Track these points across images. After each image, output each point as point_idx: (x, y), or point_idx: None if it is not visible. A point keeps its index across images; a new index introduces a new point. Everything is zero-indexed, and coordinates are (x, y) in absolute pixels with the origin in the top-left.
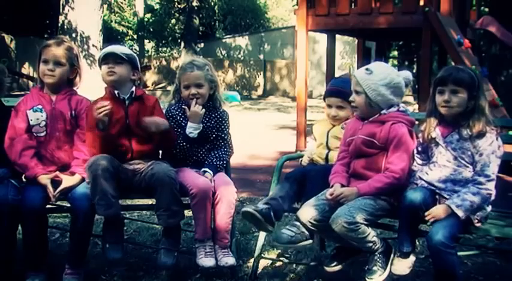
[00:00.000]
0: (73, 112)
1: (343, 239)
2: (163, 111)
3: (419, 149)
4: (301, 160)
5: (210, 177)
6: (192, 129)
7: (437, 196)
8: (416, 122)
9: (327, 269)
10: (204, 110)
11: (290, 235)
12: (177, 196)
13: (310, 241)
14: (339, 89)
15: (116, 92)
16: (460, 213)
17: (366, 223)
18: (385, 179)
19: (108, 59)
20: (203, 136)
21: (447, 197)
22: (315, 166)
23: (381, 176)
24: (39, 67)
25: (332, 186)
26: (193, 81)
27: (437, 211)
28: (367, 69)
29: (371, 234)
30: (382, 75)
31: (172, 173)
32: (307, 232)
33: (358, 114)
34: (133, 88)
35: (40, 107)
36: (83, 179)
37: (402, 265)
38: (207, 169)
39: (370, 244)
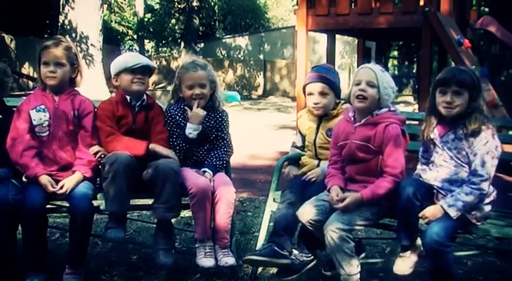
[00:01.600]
0: (76, 112)
1: None
2: (163, 114)
3: (423, 148)
4: (288, 171)
5: (210, 177)
6: (192, 130)
7: (434, 191)
8: (417, 122)
9: (326, 273)
10: (205, 112)
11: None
12: (177, 190)
13: (288, 261)
14: (321, 75)
15: (128, 98)
16: (452, 213)
17: (361, 228)
18: (387, 184)
19: (137, 69)
20: (203, 136)
21: (444, 194)
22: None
23: (382, 181)
24: (39, 69)
25: (329, 189)
26: (197, 82)
27: (431, 211)
28: (381, 67)
29: (355, 263)
30: (390, 78)
31: (176, 167)
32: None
33: (363, 105)
34: (145, 95)
35: (43, 107)
36: (84, 179)
37: (404, 265)
38: (206, 169)
39: (348, 271)
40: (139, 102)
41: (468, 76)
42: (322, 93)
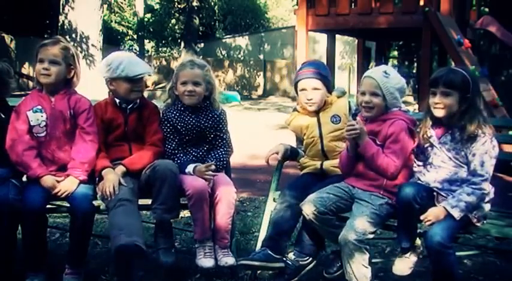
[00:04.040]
0: (71, 111)
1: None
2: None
3: (418, 150)
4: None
5: (213, 166)
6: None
7: (434, 193)
8: (417, 122)
9: (327, 276)
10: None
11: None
12: (176, 191)
13: (282, 264)
14: (314, 71)
15: (117, 101)
16: (456, 214)
17: (374, 234)
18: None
19: (137, 79)
20: (201, 136)
21: (444, 195)
22: (312, 182)
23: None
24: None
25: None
26: (191, 78)
27: (434, 213)
28: (385, 72)
29: (368, 275)
30: (397, 79)
31: (174, 168)
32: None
33: (371, 115)
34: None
35: (40, 107)
36: (80, 182)
37: (403, 265)
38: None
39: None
40: (130, 105)
41: (458, 77)
42: (316, 89)
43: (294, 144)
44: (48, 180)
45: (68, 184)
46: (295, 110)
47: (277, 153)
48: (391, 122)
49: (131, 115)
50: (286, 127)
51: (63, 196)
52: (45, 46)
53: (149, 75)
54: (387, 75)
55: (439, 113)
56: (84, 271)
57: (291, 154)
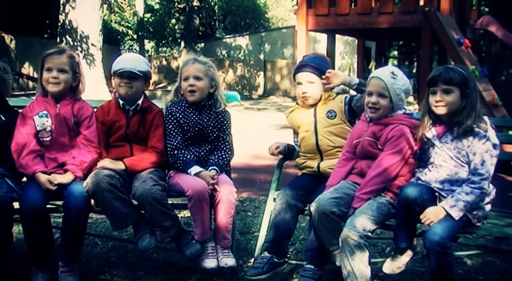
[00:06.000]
0: (75, 118)
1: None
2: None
3: (418, 151)
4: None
5: (215, 173)
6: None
7: (436, 194)
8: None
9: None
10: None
11: (260, 267)
12: (166, 212)
13: (286, 266)
14: (306, 64)
15: (121, 102)
16: (454, 214)
17: (374, 233)
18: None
19: (123, 73)
20: (203, 135)
21: (446, 196)
22: (311, 183)
23: (373, 179)
24: (41, 76)
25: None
26: (192, 73)
27: (433, 213)
28: (392, 73)
29: (368, 275)
30: (403, 81)
31: (156, 193)
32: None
33: (376, 116)
34: (141, 100)
35: (45, 112)
36: (75, 178)
37: (393, 265)
38: (214, 167)
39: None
40: (133, 107)
41: (456, 73)
42: (311, 82)
43: (292, 143)
44: (42, 176)
45: (63, 177)
46: (296, 103)
47: (278, 147)
48: (393, 127)
49: (133, 117)
50: (287, 127)
51: (55, 187)
52: (51, 55)
53: (141, 74)
54: (395, 77)
55: (441, 110)
56: (84, 271)
57: (288, 151)
